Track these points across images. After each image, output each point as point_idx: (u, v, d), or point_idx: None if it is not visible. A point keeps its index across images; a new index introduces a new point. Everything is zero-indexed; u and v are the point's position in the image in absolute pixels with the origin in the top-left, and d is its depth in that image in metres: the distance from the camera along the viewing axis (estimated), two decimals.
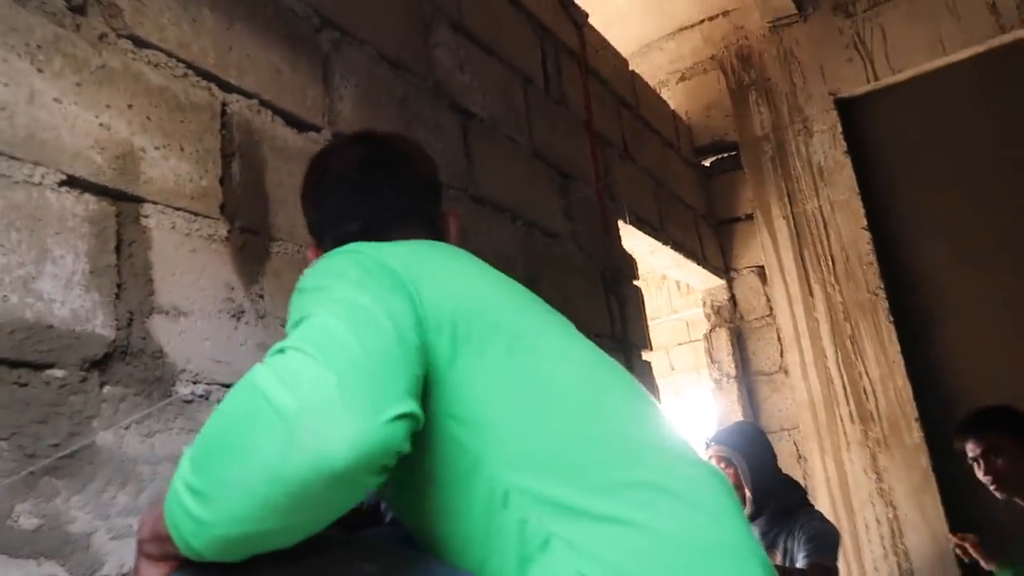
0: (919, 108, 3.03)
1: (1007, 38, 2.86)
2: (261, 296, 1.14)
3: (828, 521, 2.23)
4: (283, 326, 1.15)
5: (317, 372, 0.57)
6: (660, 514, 0.65)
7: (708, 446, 2.34)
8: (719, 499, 0.70)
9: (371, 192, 0.96)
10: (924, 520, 2.72)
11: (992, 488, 2.04)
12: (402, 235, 0.92)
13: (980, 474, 2.06)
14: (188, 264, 1.04)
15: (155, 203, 1.02)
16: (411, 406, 0.59)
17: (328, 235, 0.96)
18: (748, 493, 2.21)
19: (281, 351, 0.61)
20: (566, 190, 2.15)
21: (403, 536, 0.76)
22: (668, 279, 4.49)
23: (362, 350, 0.60)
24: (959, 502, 2.70)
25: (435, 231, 0.98)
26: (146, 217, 1.01)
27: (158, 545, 0.64)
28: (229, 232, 1.12)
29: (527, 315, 0.79)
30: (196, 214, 1.07)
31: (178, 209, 1.05)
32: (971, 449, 2.08)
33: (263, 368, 0.60)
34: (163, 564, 0.65)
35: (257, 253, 1.15)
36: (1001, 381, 2.70)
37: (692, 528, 0.65)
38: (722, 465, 2.26)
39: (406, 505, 0.74)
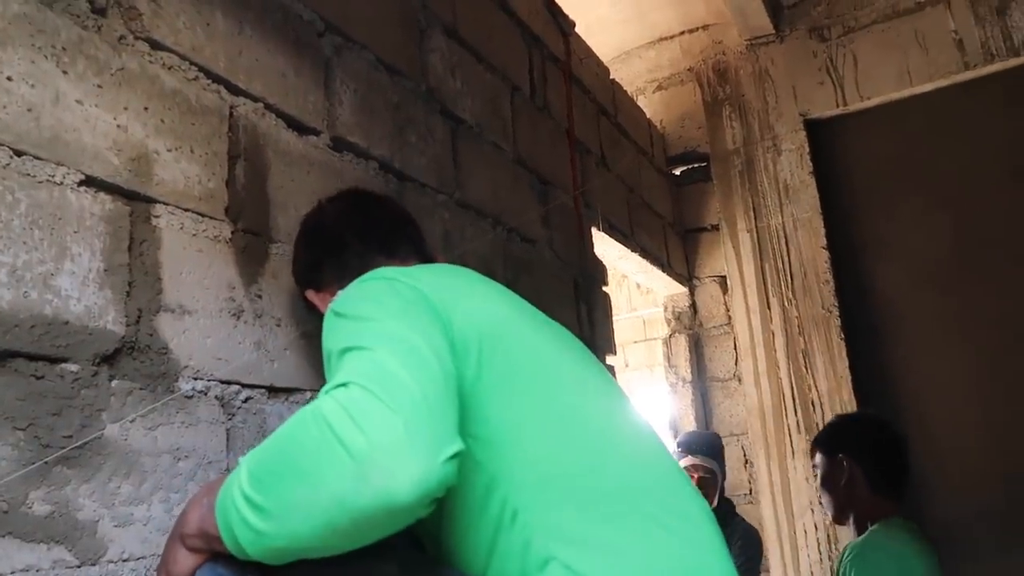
0: (884, 135, 3.16)
1: (970, 75, 3.00)
2: (259, 296, 1.19)
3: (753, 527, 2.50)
4: (278, 325, 1.20)
5: (385, 414, 0.63)
6: (656, 545, 0.72)
7: (686, 454, 2.52)
8: (710, 537, 0.78)
9: (366, 222, 1.06)
10: None
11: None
12: (401, 258, 1.01)
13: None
14: (194, 264, 1.09)
15: (166, 204, 1.06)
16: (460, 443, 0.66)
17: (331, 267, 1.06)
18: (714, 503, 2.42)
19: (344, 385, 0.66)
20: (545, 196, 2.22)
21: (413, 540, 0.83)
22: (629, 278, 4.61)
23: (421, 393, 0.66)
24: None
25: (428, 257, 1.07)
26: (157, 217, 1.05)
27: (204, 541, 0.71)
28: (232, 233, 1.16)
29: (546, 341, 0.86)
30: (203, 215, 1.12)
31: (187, 210, 1.09)
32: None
33: (330, 401, 0.65)
34: (200, 555, 0.72)
35: (257, 254, 1.20)
36: (943, 397, 2.87)
37: (682, 561, 0.73)
38: (706, 476, 2.46)
39: None
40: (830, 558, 2.90)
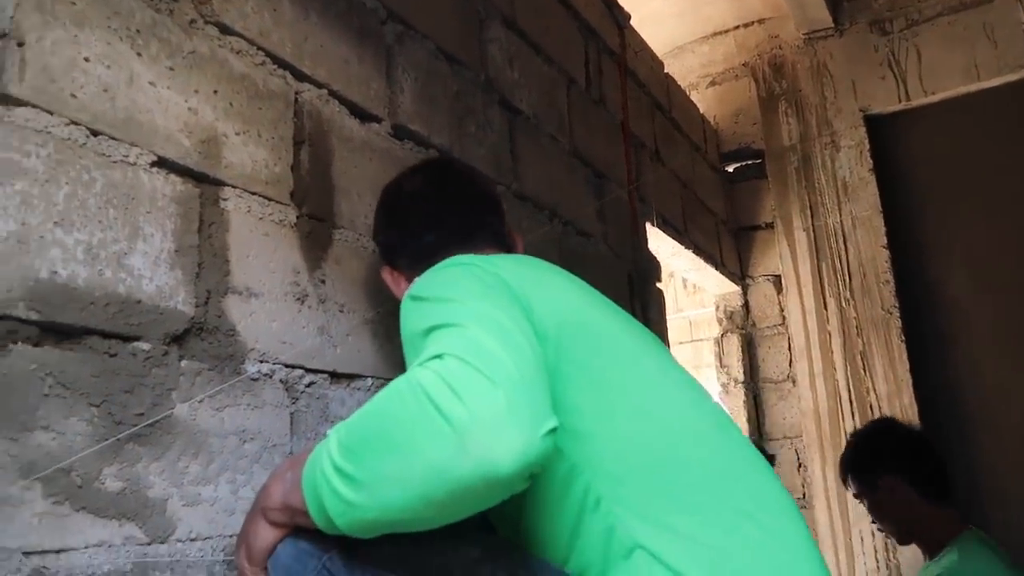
0: (948, 131, 3.06)
1: None
2: (323, 281, 1.18)
3: None
4: (341, 311, 1.20)
5: (485, 386, 0.61)
6: (744, 539, 0.70)
7: None
8: (799, 533, 0.75)
9: (443, 207, 1.03)
10: None
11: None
12: (476, 248, 0.98)
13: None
14: (261, 247, 1.09)
15: (234, 187, 1.07)
16: (555, 419, 0.64)
17: (405, 253, 1.03)
18: None
19: (440, 357, 0.64)
20: (600, 190, 2.19)
21: (487, 524, 0.82)
22: (675, 277, 4.54)
23: (516, 368, 0.64)
24: None
25: (505, 246, 1.04)
26: (225, 200, 1.05)
27: (288, 515, 0.70)
28: (298, 218, 1.16)
29: (625, 332, 0.84)
30: (269, 199, 1.12)
31: (254, 194, 1.09)
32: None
33: (426, 372, 0.64)
34: (282, 530, 0.71)
35: (321, 240, 1.20)
36: (1007, 405, 2.77)
37: (772, 556, 0.70)
38: None
39: None
40: (887, 566, 2.81)
